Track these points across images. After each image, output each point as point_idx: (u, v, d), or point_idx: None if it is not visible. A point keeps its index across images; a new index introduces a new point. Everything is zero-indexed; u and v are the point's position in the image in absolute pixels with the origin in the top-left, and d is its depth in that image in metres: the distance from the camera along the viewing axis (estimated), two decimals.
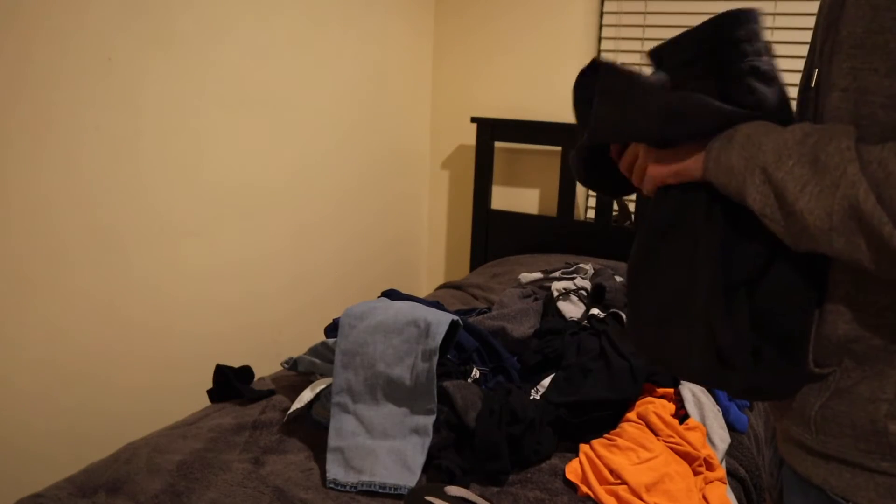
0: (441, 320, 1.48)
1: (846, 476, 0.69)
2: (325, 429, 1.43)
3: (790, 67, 0.78)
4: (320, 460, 1.37)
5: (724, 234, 0.73)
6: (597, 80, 0.79)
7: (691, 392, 1.54)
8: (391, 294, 1.92)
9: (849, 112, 0.66)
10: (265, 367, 2.19)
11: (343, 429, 1.41)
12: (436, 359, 1.42)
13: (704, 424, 1.47)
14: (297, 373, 1.72)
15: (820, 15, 0.75)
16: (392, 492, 1.28)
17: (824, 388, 0.71)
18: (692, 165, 0.74)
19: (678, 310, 0.76)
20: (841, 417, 0.69)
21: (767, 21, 2.43)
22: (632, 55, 2.68)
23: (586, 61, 2.76)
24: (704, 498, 1.29)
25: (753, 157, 0.67)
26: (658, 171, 0.77)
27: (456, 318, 1.53)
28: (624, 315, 1.74)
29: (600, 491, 1.27)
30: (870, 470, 0.68)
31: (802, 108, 0.75)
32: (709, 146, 0.72)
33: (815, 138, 0.64)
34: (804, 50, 2.23)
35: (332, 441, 1.38)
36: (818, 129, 0.64)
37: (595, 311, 1.79)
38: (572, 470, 1.33)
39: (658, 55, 0.78)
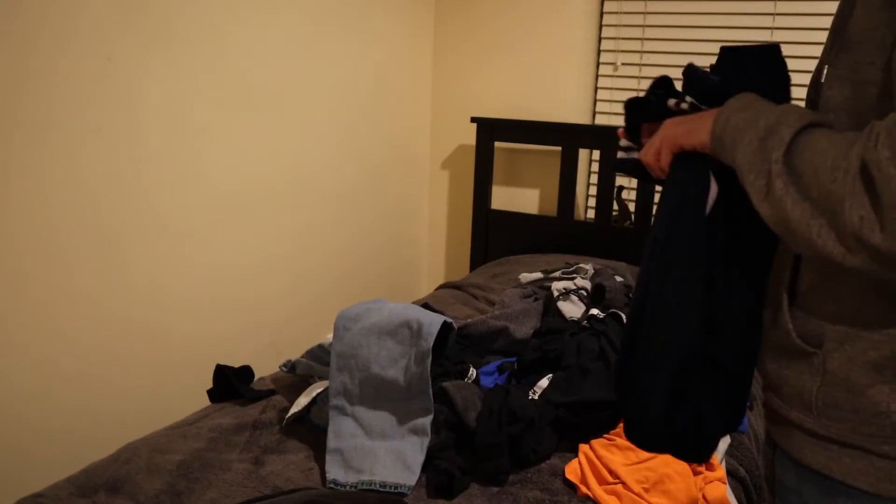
0: (433, 321, 1.48)
1: (846, 461, 0.70)
2: (324, 431, 1.43)
3: (792, 68, 0.81)
4: (320, 460, 1.37)
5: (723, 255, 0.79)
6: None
7: None
8: None
9: (847, 101, 0.70)
10: (265, 368, 2.18)
11: (341, 430, 1.41)
12: (429, 360, 1.42)
13: None
14: (296, 375, 1.72)
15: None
16: (392, 490, 1.28)
17: (814, 371, 0.72)
18: (702, 126, 0.78)
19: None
20: (842, 402, 0.70)
21: (767, 21, 2.43)
22: (631, 55, 2.68)
23: (586, 61, 2.77)
24: (704, 498, 1.29)
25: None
26: (672, 131, 0.81)
27: (449, 319, 1.53)
28: (624, 315, 1.74)
29: (600, 491, 1.27)
30: (871, 453, 0.69)
31: (811, 104, 0.78)
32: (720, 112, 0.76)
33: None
34: (804, 50, 2.23)
35: (331, 443, 1.39)
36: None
37: (595, 311, 1.79)
38: (572, 470, 1.33)
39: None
